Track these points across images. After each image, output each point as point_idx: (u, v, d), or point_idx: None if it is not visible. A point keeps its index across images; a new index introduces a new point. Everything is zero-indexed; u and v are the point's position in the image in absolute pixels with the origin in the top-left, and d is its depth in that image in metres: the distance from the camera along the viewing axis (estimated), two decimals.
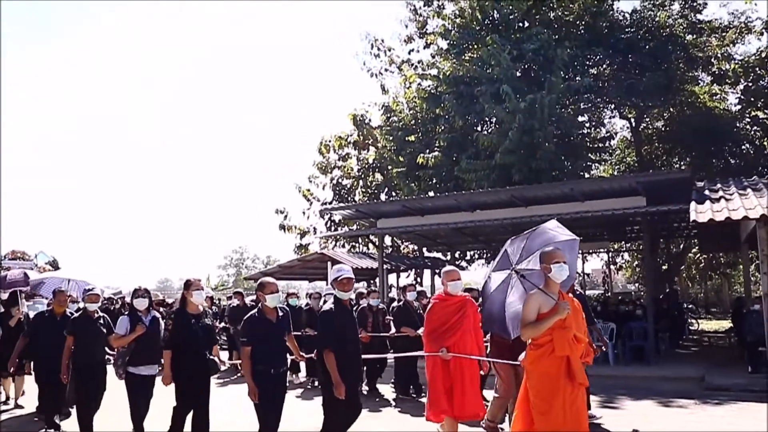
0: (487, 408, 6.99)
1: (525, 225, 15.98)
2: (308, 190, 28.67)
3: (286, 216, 28.04)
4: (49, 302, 9.29)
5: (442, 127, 23.15)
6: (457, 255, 25.52)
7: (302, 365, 11.49)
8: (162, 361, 6.56)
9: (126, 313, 7.27)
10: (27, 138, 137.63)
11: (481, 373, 6.92)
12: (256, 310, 6.12)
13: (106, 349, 7.77)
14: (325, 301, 11.17)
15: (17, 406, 9.84)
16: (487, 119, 22.38)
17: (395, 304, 10.99)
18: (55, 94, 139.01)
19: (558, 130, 20.01)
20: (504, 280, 6.03)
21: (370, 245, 28.66)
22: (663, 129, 26.09)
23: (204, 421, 6.39)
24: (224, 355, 11.64)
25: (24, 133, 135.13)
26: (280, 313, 6.15)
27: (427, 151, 22.47)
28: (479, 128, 22.65)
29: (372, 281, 27.59)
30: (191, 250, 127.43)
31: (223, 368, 7.27)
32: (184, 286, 6.65)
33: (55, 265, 15.94)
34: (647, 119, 26.08)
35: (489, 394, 7.57)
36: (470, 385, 6.37)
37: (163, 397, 6.87)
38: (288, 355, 6.32)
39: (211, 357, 6.53)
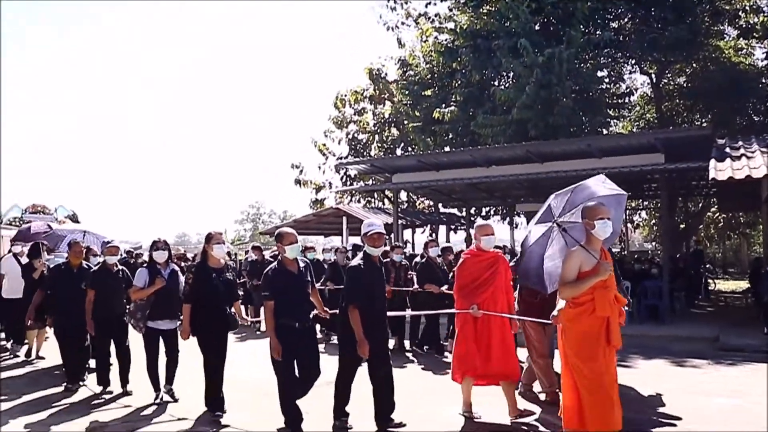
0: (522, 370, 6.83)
1: (541, 181, 15.99)
2: (324, 145, 28.57)
3: (301, 171, 28.01)
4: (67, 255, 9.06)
5: (459, 82, 22.83)
6: (472, 211, 25.38)
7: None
8: (181, 315, 6.46)
9: (145, 265, 7.14)
10: (48, 97, 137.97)
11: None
12: (276, 262, 5.85)
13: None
14: (347, 257, 11.18)
15: (38, 358, 9.83)
16: (504, 74, 21.99)
17: (418, 260, 10.94)
18: (79, 57, 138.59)
19: (576, 86, 19.65)
20: (544, 234, 5.81)
21: (386, 200, 28.64)
22: (685, 85, 25.49)
23: (220, 375, 6.42)
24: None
25: (46, 93, 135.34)
26: (301, 265, 5.86)
27: (443, 105, 22.20)
28: (496, 83, 22.34)
29: (387, 237, 27.63)
30: (208, 205, 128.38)
31: (243, 324, 7.06)
32: (206, 239, 6.46)
33: (74, 219, 15.98)
34: (669, 75, 25.47)
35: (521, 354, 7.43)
36: (502, 343, 6.02)
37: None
38: (312, 309, 6.03)
39: (231, 312, 6.45)
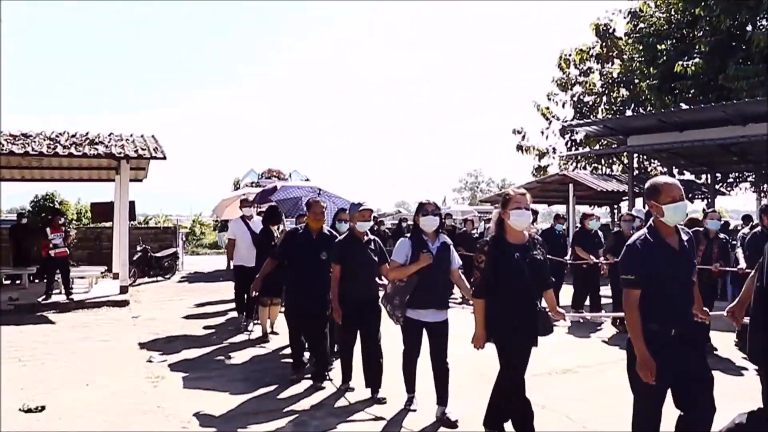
0: None
1: None
2: (547, 108, 27.26)
3: (524, 136, 27.00)
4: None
5: (703, 30, 20.35)
6: (717, 177, 22.72)
7: None
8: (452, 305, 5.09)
9: (408, 235, 5.42)
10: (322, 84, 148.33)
11: None
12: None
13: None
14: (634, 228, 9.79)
15: (273, 333, 8.57)
16: (764, 15, 19.14)
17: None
18: None
19: None
20: None
21: (614, 166, 26.80)
22: None
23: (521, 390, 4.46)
24: None
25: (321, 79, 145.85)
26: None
27: (685, 58, 19.92)
28: (749, 27, 19.53)
29: (616, 206, 25.99)
30: (426, 173, 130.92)
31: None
32: (502, 204, 4.38)
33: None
34: None
35: None
36: None
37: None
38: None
39: (542, 309, 4.45)
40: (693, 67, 18.98)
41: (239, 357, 7.45)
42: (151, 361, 7.04)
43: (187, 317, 10.42)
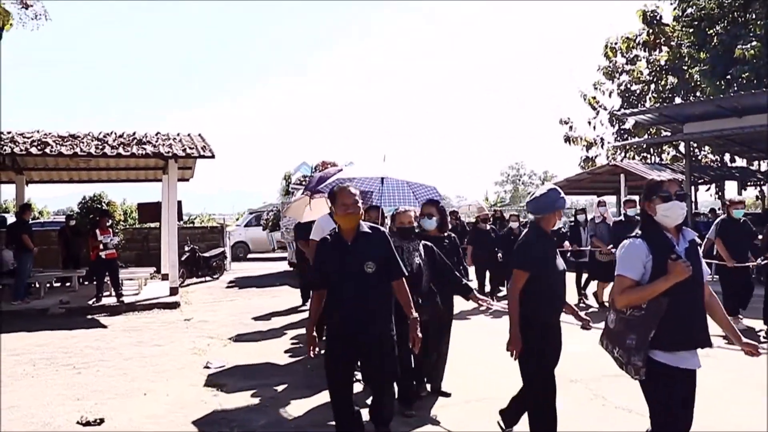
0: None
1: None
2: (593, 98, 26.63)
3: (571, 127, 26.39)
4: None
5: (756, 12, 19.52)
6: None
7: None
8: None
9: (635, 234, 3.43)
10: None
11: None
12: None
13: None
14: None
15: None
16: None
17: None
18: None
19: None
20: None
21: (663, 155, 26.06)
22: None
23: None
24: None
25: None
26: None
27: (741, 43, 19.09)
28: None
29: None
30: (467, 166, 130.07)
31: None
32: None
33: None
34: None
35: None
36: None
37: None
38: None
39: None
40: (751, 51, 18.20)
41: (300, 363, 7.17)
42: (208, 368, 6.80)
43: (242, 320, 10.16)
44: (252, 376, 6.50)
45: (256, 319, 10.27)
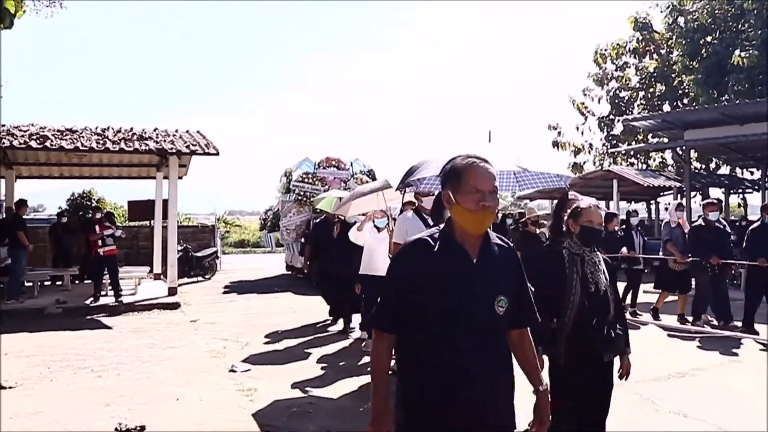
0: None
1: None
2: (582, 104, 26.63)
3: (559, 132, 26.36)
4: None
5: (749, 23, 19.66)
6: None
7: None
8: None
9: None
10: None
11: None
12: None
13: None
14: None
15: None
16: None
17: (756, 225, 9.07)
18: None
19: None
20: None
21: (650, 161, 26.23)
22: None
23: None
24: None
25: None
26: None
27: (737, 52, 19.16)
28: None
29: (653, 201, 25.31)
30: None
31: None
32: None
33: (372, 176, 15.07)
34: None
35: None
36: None
37: None
38: None
39: None
40: (747, 59, 18.30)
41: (327, 363, 6.93)
42: (234, 371, 6.49)
43: (250, 321, 9.80)
44: (281, 380, 6.20)
45: (265, 320, 9.93)
